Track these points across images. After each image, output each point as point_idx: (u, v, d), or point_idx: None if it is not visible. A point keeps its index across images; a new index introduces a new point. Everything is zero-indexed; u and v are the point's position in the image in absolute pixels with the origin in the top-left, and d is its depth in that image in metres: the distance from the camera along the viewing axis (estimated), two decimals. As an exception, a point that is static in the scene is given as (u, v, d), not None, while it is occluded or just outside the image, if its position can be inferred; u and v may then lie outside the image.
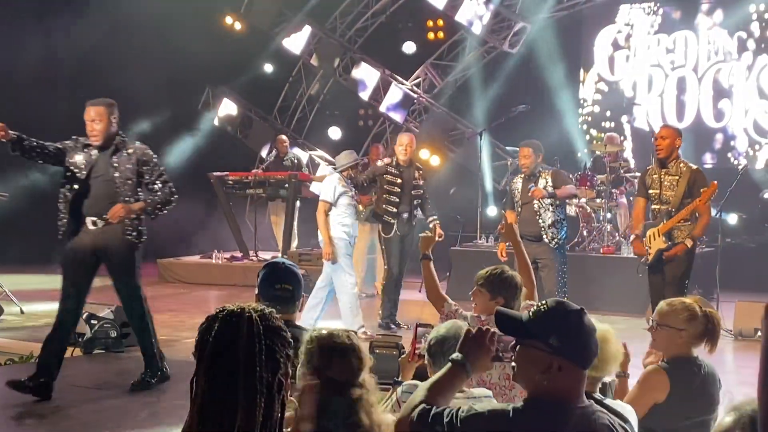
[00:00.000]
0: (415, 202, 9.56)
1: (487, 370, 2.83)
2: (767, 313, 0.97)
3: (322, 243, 9.23)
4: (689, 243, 7.38)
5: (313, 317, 8.81)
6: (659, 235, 7.53)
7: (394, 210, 9.44)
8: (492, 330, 2.76)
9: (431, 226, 9.46)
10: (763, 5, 14.60)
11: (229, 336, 1.91)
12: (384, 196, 9.46)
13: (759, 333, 9.38)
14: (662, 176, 7.54)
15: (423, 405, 2.59)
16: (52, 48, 14.38)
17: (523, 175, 8.92)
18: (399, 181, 9.41)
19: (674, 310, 3.95)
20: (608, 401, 3.34)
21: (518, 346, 2.61)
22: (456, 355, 2.71)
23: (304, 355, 2.91)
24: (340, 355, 2.88)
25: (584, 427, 2.50)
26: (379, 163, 9.75)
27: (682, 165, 7.52)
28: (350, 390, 2.82)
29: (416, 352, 3.56)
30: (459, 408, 2.60)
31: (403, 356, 3.63)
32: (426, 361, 3.48)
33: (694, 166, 7.60)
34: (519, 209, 8.80)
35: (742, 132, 14.80)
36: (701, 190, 7.32)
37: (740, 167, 11.51)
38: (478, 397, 3.41)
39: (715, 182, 7.47)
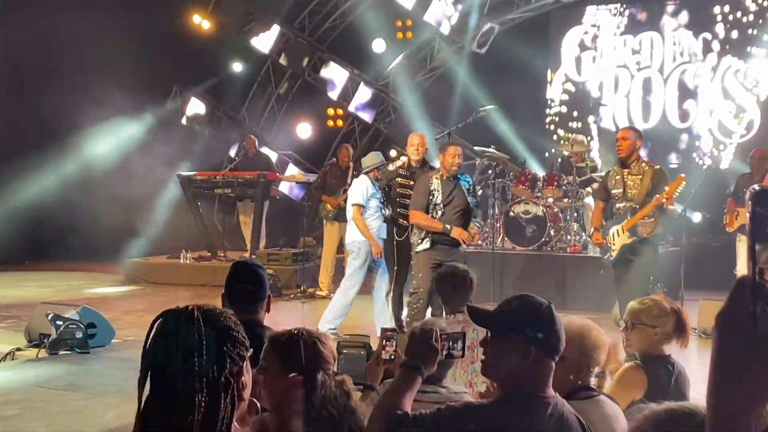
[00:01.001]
0: None
1: (434, 368, 2.93)
2: (717, 321, 1.00)
3: (354, 246, 9.01)
4: (663, 198, 7.49)
5: (384, 318, 8.84)
6: (624, 232, 7.69)
7: (408, 212, 8.94)
8: (435, 329, 2.83)
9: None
10: (728, 7, 14.79)
11: (167, 335, 1.92)
12: (398, 199, 9.08)
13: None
14: (625, 176, 7.73)
15: (396, 412, 2.64)
16: (12, 46, 14.20)
17: (441, 176, 8.19)
18: (411, 182, 8.99)
19: (647, 307, 4.00)
20: (601, 397, 3.38)
21: (491, 340, 2.67)
22: (407, 360, 2.77)
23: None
24: (319, 348, 2.89)
25: (558, 418, 2.58)
26: (390, 167, 9.42)
27: (644, 164, 7.73)
28: (332, 381, 2.84)
29: (383, 356, 3.60)
30: (437, 408, 2.66)
31: (370, 361, 3.65)
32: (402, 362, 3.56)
33: (657, 165, 7.78)
34: (440, 211, 8.13)
35: (706, 132, 14.99)
36: (665, 187, 7.53)
37: (705, 167, 11.67)
38: (457, 392, 3.48)
39: (682, 175, 7.63)
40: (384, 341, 3.61)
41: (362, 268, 8.94)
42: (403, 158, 9.55)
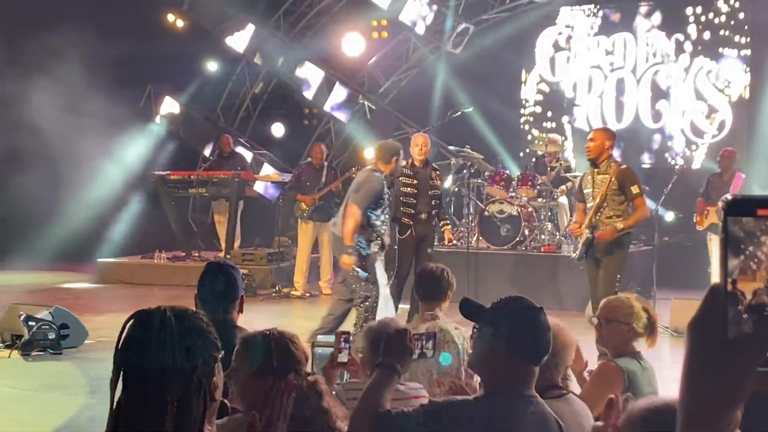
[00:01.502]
0: (433, 202, 9.23)
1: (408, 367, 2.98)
2: (689, 328, 1.02)
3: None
4: (619, 226, 7.61)
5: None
6: (585, 228, 7.84)
7: (411, 211, 9.06)
8: (407, 329, 2.87)
9: (443, 230, 9.45)
10: (700, 8, 14.93)
11: (139, 337, 1.92)
12: (400, 198, 9.10)
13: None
14: (594, 176, 7.85)
15: (378, 411, 2.67)
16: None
17: (386, 176, 8.03)
18: (414, 181, 9.07)
19: (621, 305, 4.06)
20: (570, 395, 3.42)
21: (475, 334, 2.75)
22: (383, 360, 2.81)
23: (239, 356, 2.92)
24: (289, 349, 2.90)
25: (539, 416, 2.64)
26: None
27: (612, 164, 7.78)
28: (300, 381, 2.85)
29: (338, 359, 3.63)
30: (420, 404, 2.72)
31: (325, 364, 3.68)
32: (362, 363, 3.59)
33: (623, 165, 7.83)
34: (386, 213, 8.07)
35: (679, 133, 15.12)
36: (631, 188, 7.61)
37: (677, 167, 11.77)
38: (415, 388, 3.52)
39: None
40: (340, 344, 3.63)
41: (378, 263, 8.46)
42: (419, 149, 9.38)
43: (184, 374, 1.89)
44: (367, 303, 7.82)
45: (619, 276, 7.62)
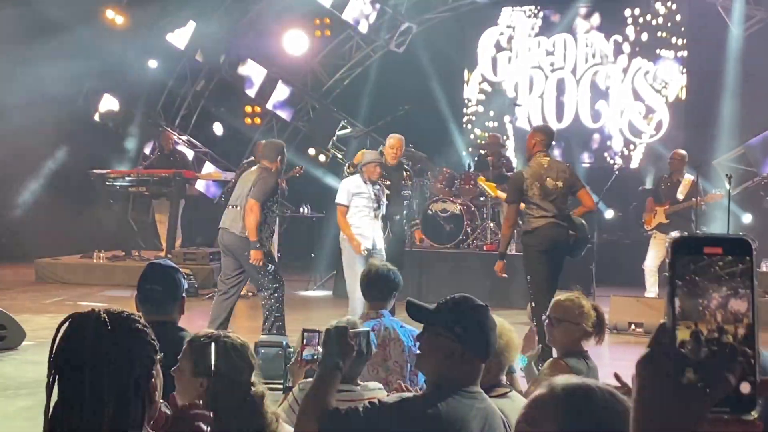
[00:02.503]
0: (405, 202, 9.24)
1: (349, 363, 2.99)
2: (638, 366, 1.02)
3: (342, 243, 8.71)
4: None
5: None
6: None
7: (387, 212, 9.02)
8: (347, 327, 2.89)
9: (413, 230, 9.44)
10: (638, 10, 15.21)
11: (74, 341, 1.90)
12: None
13: (632, 326, 9.70)
14: None
15: (325, 409, 2.66)
16: None
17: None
18: (388, 182, 9.00)
19: (571, 305, 4.10)
20: (513, 393, 3.47)
21: (424, 335, 2.77)
22: (324, 358, 2.82)
23: (189, 355, 2.90)
24: (235, 354, 2.89)
25: (485, 412, 2.69)
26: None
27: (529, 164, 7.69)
28: (244, 388, 2.84)
29: (303, 357, 3.61)
30: (369, 402, 2.72)
31: (291, 363, 3.66)
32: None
33: (520, 168, 7.66)
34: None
35: (617, 132, 15.39)
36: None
37: (615, 167, 11.97)
38: (372, 389, 3.53)
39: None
40: (303, 342, 3.62)
41: (353, 265, 8.49)
42: (393, 151, 9.33)
43: (120, 378, 1.87)
44: (276, 294, 7.86)
45: (529, 277, 7.45)
